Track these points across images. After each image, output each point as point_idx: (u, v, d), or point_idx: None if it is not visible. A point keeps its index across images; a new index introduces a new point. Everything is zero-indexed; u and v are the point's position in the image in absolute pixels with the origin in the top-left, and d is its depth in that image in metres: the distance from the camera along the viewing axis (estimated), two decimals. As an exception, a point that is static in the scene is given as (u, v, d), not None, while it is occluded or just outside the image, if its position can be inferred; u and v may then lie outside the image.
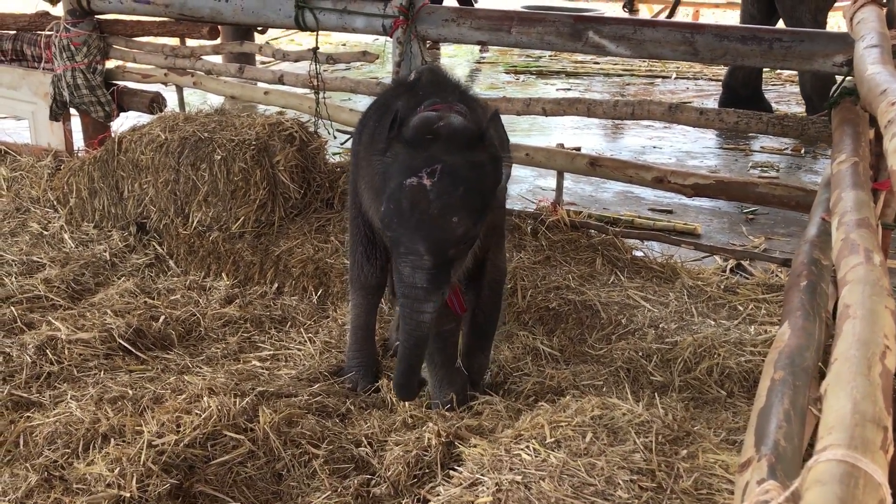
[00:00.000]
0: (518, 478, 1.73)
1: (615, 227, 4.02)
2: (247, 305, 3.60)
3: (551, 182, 5.47)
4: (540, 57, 10.30)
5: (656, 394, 2.31)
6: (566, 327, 3.27)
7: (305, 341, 3.31)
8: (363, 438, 2.53)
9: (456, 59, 10.42)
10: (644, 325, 3.17)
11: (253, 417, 2.52)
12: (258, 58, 6.77)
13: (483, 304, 2.73)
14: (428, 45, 3.81)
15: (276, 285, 3.79)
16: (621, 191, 5.37)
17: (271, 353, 3.24)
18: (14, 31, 5.30)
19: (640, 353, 2.99)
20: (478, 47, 10.27)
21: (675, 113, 3.48)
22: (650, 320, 3.20)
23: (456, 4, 10.35)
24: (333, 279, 3.65)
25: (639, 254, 3.79)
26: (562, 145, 4.19)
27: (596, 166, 3.64)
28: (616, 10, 12.32)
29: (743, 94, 6.85)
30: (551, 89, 8.68)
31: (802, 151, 6.24)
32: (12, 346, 3.07)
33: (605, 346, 3.12)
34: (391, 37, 3.76)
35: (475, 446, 2.01)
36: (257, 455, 2.43)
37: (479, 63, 10.27)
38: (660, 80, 9.12)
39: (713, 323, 3.18)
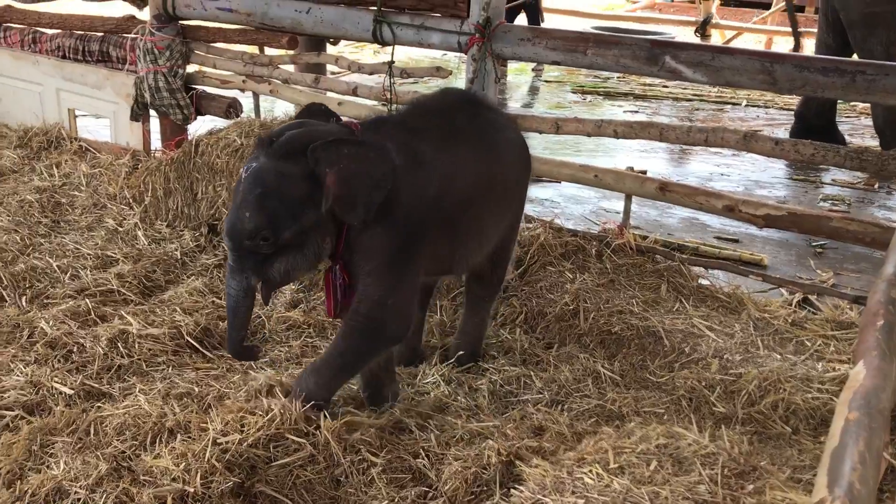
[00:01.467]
0: (580, 501, 1.72)
1: (681, 253, 3.97)
2: (310, 311, 3.64)
3: (615, 204, 5.45)
4: (608, 78, 10.24)
5: (724, 429, 2.27)
6: (628, 352, 3.24)
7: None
8: (421, 451, 2.54)
9: (521, 77, 10.43)
10: (708, 355, 3.13)
11: (314, 422, 2.54)
12: (328, 68, 6.88)
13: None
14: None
15: (338, 292, 3.83)
16: (687, 217, 5.30)
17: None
18: (101, 34, 5.49)
19: (704, 383, 2.94)
20: (542, 66, 10.28)
21: (749, 142, 3.43)
22: (714, 350, 3.15)
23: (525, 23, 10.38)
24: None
25: (704, 282, 3.74)
26: (632, 168, 4.16)
27: (665, 191, 3.60)
28: (688, 34, 12.19)
29: (816, 124, 6.71)
30: (618, 111, 8.63)
31: (876, 186, 6.08)
32: (86, 338, 3.17)
33: (667, 373, 3.08)
34: (466, 53, 3.79)
35: (536, 467, 2.01)
36: (317, 459, 2.45)
37: (546, 82, 10.27)
38: (729, 106, 8.99)
39: (779, 357, 3.12)
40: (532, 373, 3.11)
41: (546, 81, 10.30)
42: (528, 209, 4.91)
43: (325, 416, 2.54)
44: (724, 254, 4.51)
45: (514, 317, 3.56)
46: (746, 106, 8.98)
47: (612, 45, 3.44)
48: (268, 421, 2.46)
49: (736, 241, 4.94)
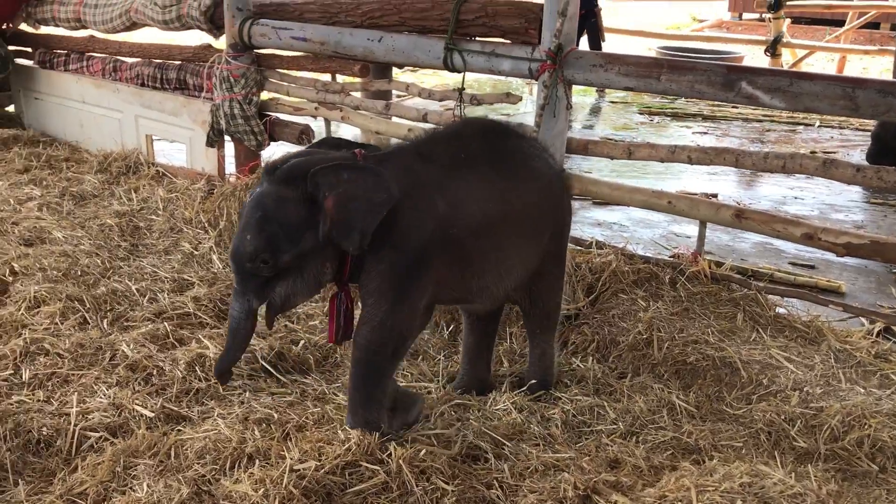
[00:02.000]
0: (664, 542, 1.69)
1: (755, 280, 3.89)
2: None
3: (686, 228, 5.38)
4: (675, 98, 10.13)
5: (809, 466, 2.20)
6: (703, 383, 3.18)
7: (434, 377, 3.35)
8: (494, 481, 2.53)
9: (585, 98, 10.39)
10: (787, 388, 3.05)
11: (388, 449, 2.56)
12: (394, 93, 6.97)
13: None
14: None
15: (409, 317, 3.86)
16: (760, 241, 5.19)
17: (404, 384, 3.29)
18: (179, 62, 5.68)
19: (783, 417, 2.87)
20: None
21: (829, 169, 3.35)
22: (794, 382, 3.07)
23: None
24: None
25: (781, 311, 3.65)
26: (707, 195, 4.10)
27: (741, 219, 3.54)
28: (757, 54, 11.98)
29: (894, 146, 6.51)
30: (687, 132, 8.52)
31: (960, 211, 5.87)
32: (165, 361, 3.25)
33: (744, 405, 3.01)
34: (537, 80, 3.80)
35: (616, 503, 1.98)
36: (390, 487, 2.47)
37: (612, 102, 10.21)
38: (802, 127, 8.80)
39: (863, 391, 3.02)
40: (605, 403, 3.07)
41: (612, 102, 10.25)
42: (597, 233, 4.89)
43: (395, 445, 2.55)
44: (799, 280, 4.40)
45: (585, 345, 3.53)
46: (820, 126, 8.78)
47: (686, 71, 3.41)
48: (345, 450, 2.48)
49: (812, 267, 4.82)
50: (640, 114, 9.50)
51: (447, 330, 3.74)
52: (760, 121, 9.02)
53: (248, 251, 2.45)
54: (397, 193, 2.50)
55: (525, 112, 8.27)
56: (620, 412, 3.00)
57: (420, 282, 2.62)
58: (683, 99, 10.19)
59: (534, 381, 3.16)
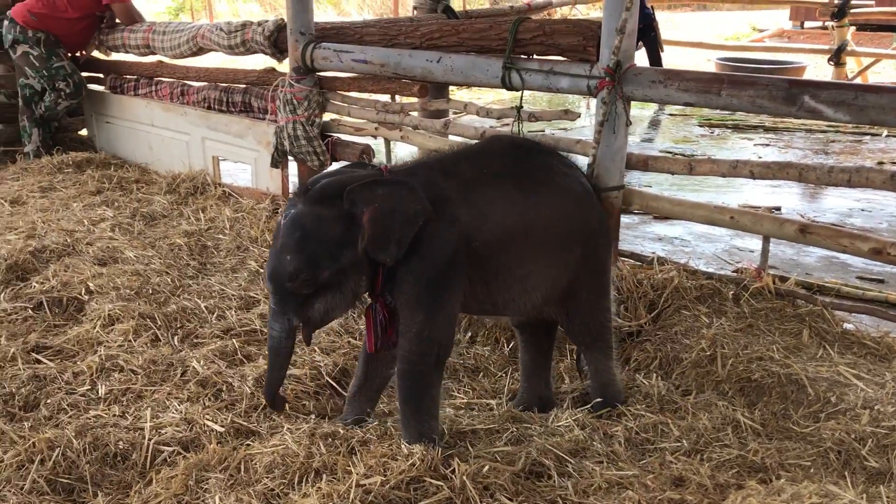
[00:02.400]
0: (731, 561, 1.68)
1: (821, 295, 3.82)
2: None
3: (748, 242, 5.30)
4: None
5: (881, 487, 2.16)
6: (769, 400, 3.13)
7: (496, 394, 3.37)
8: (558, 498, 2.54)
9: (644, 111, 10.32)
10: (857, 406, 2.99)
11: (452, 465, 2.59)
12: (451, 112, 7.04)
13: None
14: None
15: (469, 334, 3.90)
16: (826, 255, 5.10)
17: (465, 401, 3.32)
18: (244, 86, 5.85)
19: (853, 436, 2.81)
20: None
21: (897, 181, 3.29)
22: (864, 401, 3.01)
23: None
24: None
25: (849, 326, 3.58)
26: (770, 209, 4.05)
27: (806, 234, 3.49)
28: (821, 63, 11.75)
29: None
30: (748, 144, 8.41)
31: None
32: (234, 377, 3.35)
33: (812, 424, 2.96)
34: (595, 97, 3.81)
35: (681, 522, 1.98)
36: (454, 503, 2.50)
37: (671, 115, 10.12)
38: (868, 136, 8.60)
39: (937, 409, 2.94)
40: (669, 420, 3.05)
41: (671, 114, 10.16)
42: (658, 248, 4.86)
43: (458, 460, 2.58)
44: (868, 295, 4.30)
45: (648, 362, 3.51)
46: (887, 136, 8.56)
47: (747, 86, 3.38)
48: (409, 465, 2.53)
49: (881, 281, 4.71)
50: (700, 126, 9.40)
51: (507, 347, 3.76)
52: (824, 131, 8.85)
53: (289, 271, 2.50)
54: (428, 205, 2.58)
55: (582, 126, 8.26)
56: (685, 430, 2.98)
57: (450, 290, 2.69)
58: (744, 110, 10.06)
59: (598, 400, 3.16)
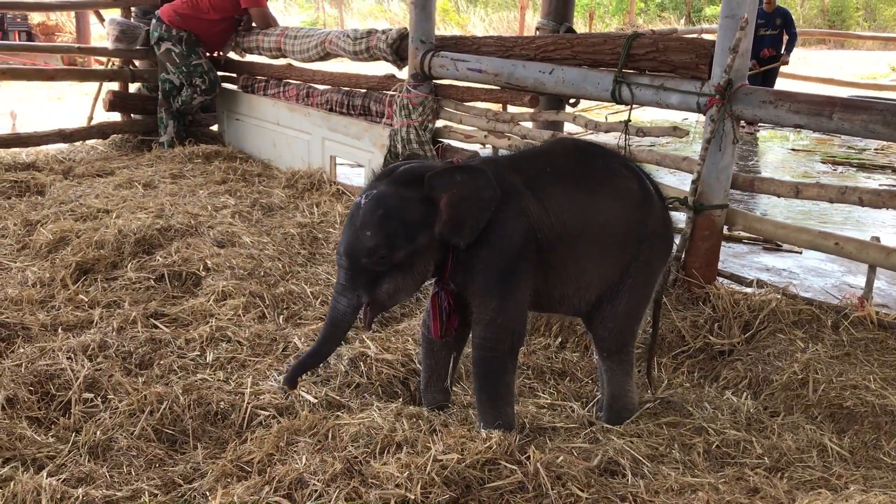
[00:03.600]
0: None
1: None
2: (530, 354, 3.81)
3: (861, 280, 5.14)
4: (864, 149, 9.66)
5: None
6: (860, 429, 3.07)
7: (579, 398, 3.43)
8: (629, 494, 2.59)
9: (768, 144, 10.09)
10: (954, 442, 2.90)
11: (527, 451, 2.68)
12: (567, 128, 7.14)
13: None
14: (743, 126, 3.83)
15: (559, 339, 3.97)
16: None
17: (548, 402, 3.40)
18: (364, 90, 6.14)
19: (947, 471, 2.74)
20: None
21: None
22: (962, 438, 2.92)
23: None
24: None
25: (955, 364, 3.45)
26: (877, 238, 3.95)
27: (914, 264, 3.41)
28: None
29: None
30: (873, 184, 8.11)
31: None
32: (331, 356, 3.54)
33: (904, 455, 2.89)
34: (704, 114, 3.84)
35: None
36: (526, 487, 2.58)
37: (794, 150, 9.87)
38: None
39: None
40: (753, 438, 3.04)
41: (793, 150, 9.92)
42: (764, 278, 4.79)
43: (534, 448, 2.67)
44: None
45: (737, 381, 3.50)
46: None
47: (860, 110, 3.35)
48: (486, 448, 2.63)
49: None
50: (823, 163, 9.13)
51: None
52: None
53: (368, 246, 2.63)
54: (501, 194, 2.72)
55: (685, 142, 8.18)
56: (767, 448, 2.96)
57: (521, 280, 2.79)
58: (874, 149, 9.70)
59: (601, 412, 3.21)
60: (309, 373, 3.40)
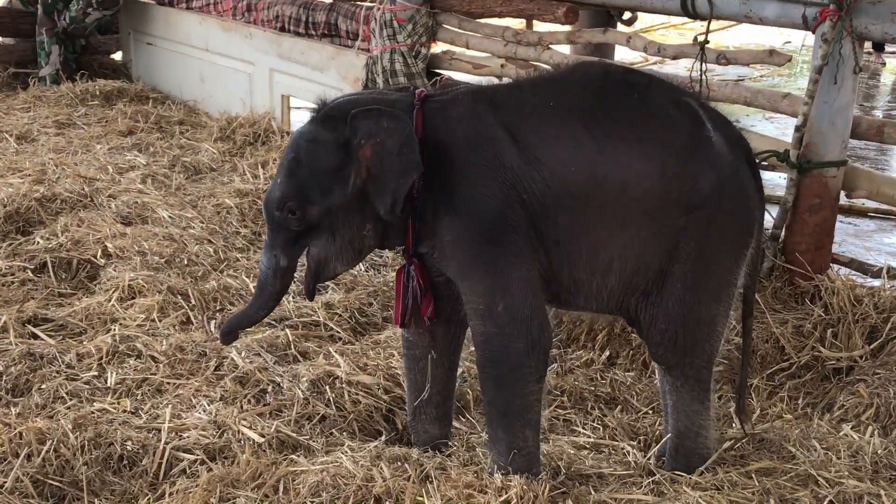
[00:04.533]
0: None
1: None
2: (566, 373, 3.81)
3: None
4: None
5: None
6: None
7: (635, 435, 3.43)
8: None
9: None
10: None
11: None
12: (618, 53, 7.11)
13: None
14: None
15: (607, 353, 3.97)
16: None
17: (591, 440, 3.40)
18: (330, 1, 6.10)
19: None
20: None
21: None
22: None
23: None
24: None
25: None
26: None
27: None
28: None
29: None
30: None
31: None
32: (283, 376, 3.54)
33: None
34: (813, 32, 3.82)
35: None
36: (561, 562, 2.59)
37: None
38: None
39: None
40: (882, 491, 3.04)
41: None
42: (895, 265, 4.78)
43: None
44: None
45: (860, 410, 3.50)
46: None
47: None
48: (502, 502, 2.63)
49: None
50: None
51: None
52: None
53: (276, 196, 2.82)
54: (461, 144, 2.78)
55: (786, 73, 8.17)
56: (901, 506, 2.97)
57: (510, 251, 2.78)
58: None
59: (664, 456, 3.20)
60: (250, 401, 3.41)
